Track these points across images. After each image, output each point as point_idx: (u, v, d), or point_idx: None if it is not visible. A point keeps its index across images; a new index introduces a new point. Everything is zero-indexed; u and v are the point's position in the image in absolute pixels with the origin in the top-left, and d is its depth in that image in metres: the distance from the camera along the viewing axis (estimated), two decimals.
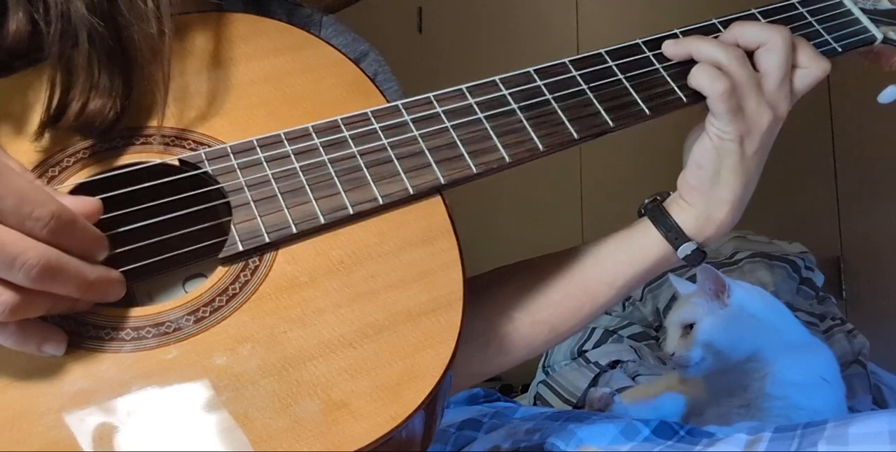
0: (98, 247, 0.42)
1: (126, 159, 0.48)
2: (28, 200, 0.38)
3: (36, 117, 0.47)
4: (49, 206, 0.38)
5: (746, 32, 0.58)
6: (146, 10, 0.49)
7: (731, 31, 0.59)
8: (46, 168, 0.46)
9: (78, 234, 0.40)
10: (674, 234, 0.59)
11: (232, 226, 0.46)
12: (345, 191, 0.48)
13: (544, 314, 0.62)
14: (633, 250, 0.61)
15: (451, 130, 0.52)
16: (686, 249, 0.59)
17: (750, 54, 0.57)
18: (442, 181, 0.50)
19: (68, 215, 0.39)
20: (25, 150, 0.47)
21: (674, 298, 1.69)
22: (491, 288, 0.64)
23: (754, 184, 0.59)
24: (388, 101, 0.53)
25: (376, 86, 0.54)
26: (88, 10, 0.47)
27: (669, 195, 0.62)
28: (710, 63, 0.56)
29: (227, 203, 0.47)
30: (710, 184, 0.57)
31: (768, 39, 0.57)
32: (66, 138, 0.48)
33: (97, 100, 0.47)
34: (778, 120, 0.57)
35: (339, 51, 0.56)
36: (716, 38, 0.59)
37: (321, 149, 0.50)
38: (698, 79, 0.56)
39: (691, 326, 1.06)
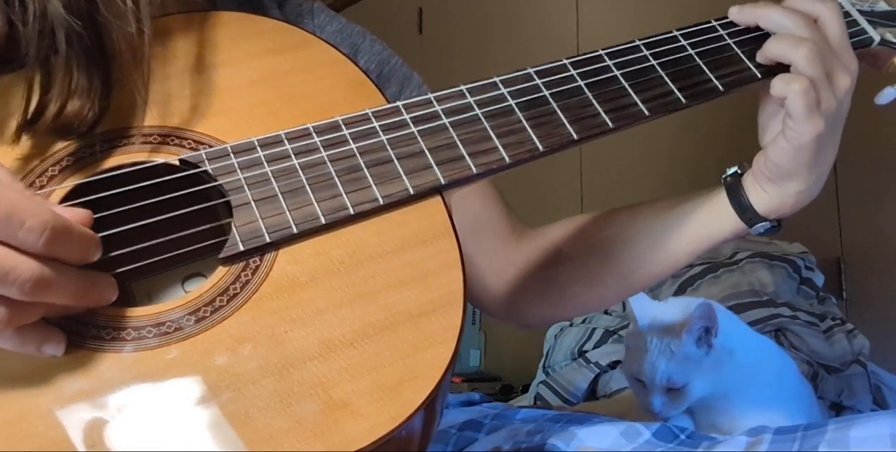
0: (92, 250, 0.41)
1: (117, 161, 0.48)
2: (18, 211, 0.37)
3: (15, 121, 0.46)
4: (41, 216, 0.38)
5: (799, 5, 0.59)
6: (125, 10, 0.48)
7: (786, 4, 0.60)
8: (33, 178, 0.46)
9: (73, 241, 0.40)
10: (749, 215, 0.62)
11: (233, 227, 0.46)
12: (345, 192, 0.48)
13: (634, 278, 0.70)
14: (711, 226, 0.65)
15: (451, 130, 0.52)
16: (759, 228, 0.62)
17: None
18: (442, 181, 0.50)
19: (62, 223, 0.39)
20: (4, 156, 0.46)
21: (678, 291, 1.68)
22: (586, 260, 0.72)
23: (831, 162, 0.61)
24: (389, 101, 0.53)
25: (376, 85, 0.54)
26: (66, 10, 0.47)
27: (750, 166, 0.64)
28: (780, 58, 0.57)
29: (228, 203, 0.47)
30: (786, 178, 0.60)
31: (820, 12, 0.59)
32: (48, 142, 0.47)
33: (75, 102, 0.47)
34: (850, 89, 0.58)
35: (339, 50, 0.56)
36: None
37: (321, 148, 0.50)
38: (777, 87, 0.56)
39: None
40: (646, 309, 1.00)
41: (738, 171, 0.63)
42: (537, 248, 0.75)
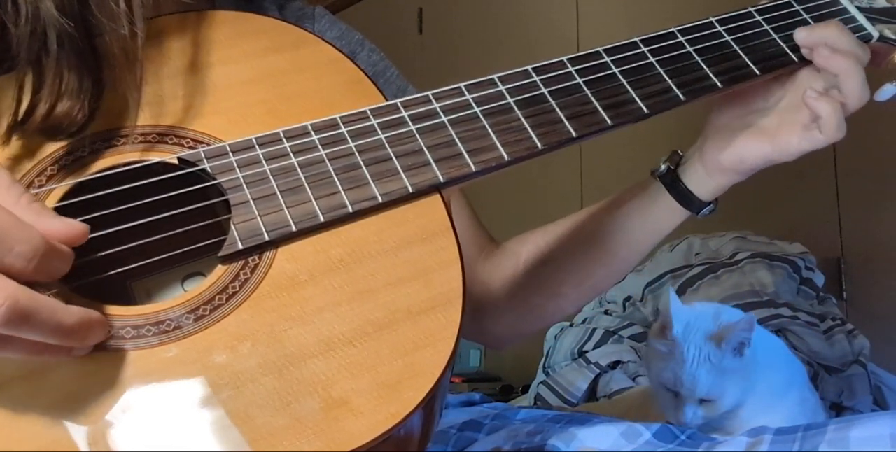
0: (65, 269, 0.40)
1: (115, 160, 0.48)
2: (9, 236, 0.36)
3: (4, 122, 0.46)
4: (30, 242, 0.37)
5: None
6: (118, 12, 0.48)
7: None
8: (32, 177, 0.46)
9: (56, 261, 0.39)
10: (695, 205, 0.65)
11: (232, 225, 0.46)
12: (344, 190, 0.48)
13: (588, 283, 0.73)
14: (657, 222, 0.67)
15: (450, 128, 0.52)
16: (706, 212, 0.66)
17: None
18: (441, 179, 0.50)
19: (49, 249, 0.38)
20: None
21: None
22: (544, 271, 0.74)
23: None
24: (387, 99, 0.53)
25: (374, 84, 0.54)
26: (58, 10, 0.46)
27: (682, 157, 0.67)
28: (846, 54, 0.58)
29: (227, 201, 0.47)
30: (742, 172, 0.63)
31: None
32: (43, 142, 0.47)
33: (65, 103, 0.46)
34: None
35: (338, 49, 0.56)
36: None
37: (320, 146, 0.50)
38: (829, 119, 0.58)
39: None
40: (680, 315, 0.99)
41: (671, 166, 0.66)
42: (501, 264, 0.78)
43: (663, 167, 0.66)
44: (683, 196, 0.65)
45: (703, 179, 0.65)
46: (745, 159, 0.62)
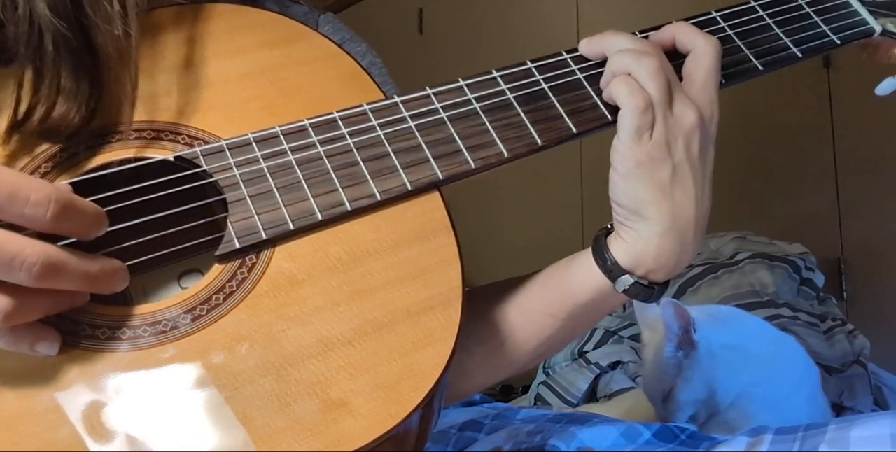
0: (98, 223, 0.41)
1: (111, 157, 0.47)
2: (22, 188, 0.37)
3: (4, 120, 0.46)
4: (44, 189, 0.38)
5: (679, 39, 0.57)
6: (112, 13, 0.48)
7: (665, 32, 0.58)
8: (28, 172, 0.46)
9: (79, 214, 0.40)
10: (609, 266, 0.54)
11: (229, 223, 0.46)
12: (342, 188, 0.48)
13: (495, 343, 0.59)
14: (571, 281, 0.57)
15: (449, 125, 0.52)
16: (623, 283, 0.54)
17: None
18: (440, 176, 0.49)
19: (66, 195, 0.39)
20: None
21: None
22: (467, 340, 0.59)
23: (691, 210, 0.53)
24: (385, 94, 0.53)
25: (372, 78, 0.54)
26: (50, 11, 0.46)
27: None
28: (622, 70, 0.53)
29: (224, 199, 0.47)
30: (635, 219, 0.53)
31: (697, 45, 0.55)
32: (37, 142, 0.47)
33: (62, 105, 0.46)
34: (695, 127, 0.53)
35: (335, 43, 0.55)
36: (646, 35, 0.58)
37: (318, 144, 0.49)
38: (618, 91, 0.52)
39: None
40: (648, 320, 1.00)
41: (608, 226, 0.57)
42: None
43: (607, 226, 0.58)
44: (601, 254, 0.55)
45: (618, 238, 0.55)
46: (615, 199, 0.54)
